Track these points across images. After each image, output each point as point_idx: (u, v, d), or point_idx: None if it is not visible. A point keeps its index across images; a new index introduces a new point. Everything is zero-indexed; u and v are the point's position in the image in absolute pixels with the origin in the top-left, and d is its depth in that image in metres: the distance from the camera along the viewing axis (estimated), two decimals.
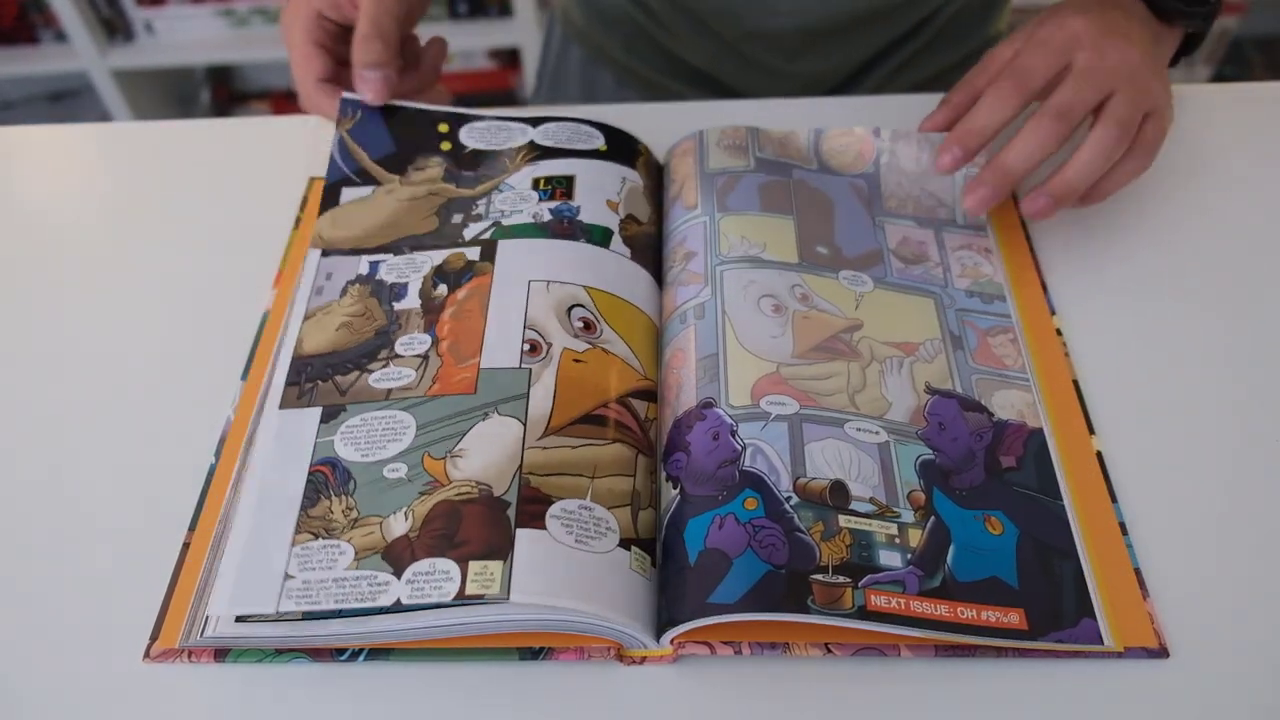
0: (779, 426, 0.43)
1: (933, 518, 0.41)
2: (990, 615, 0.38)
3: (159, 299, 0.55)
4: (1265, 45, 1.97)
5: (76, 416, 0.49)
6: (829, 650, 0.39)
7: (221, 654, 0.40)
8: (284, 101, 2.10)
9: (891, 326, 0.48)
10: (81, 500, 0.46)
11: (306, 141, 0.64)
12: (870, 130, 0.56)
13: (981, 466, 0.43)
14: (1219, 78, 1.88)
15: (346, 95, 0.58)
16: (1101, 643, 0.38)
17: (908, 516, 0.40)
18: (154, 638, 0.41)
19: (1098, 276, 0.52)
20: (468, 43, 1.78)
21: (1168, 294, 0.51)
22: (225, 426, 0.48)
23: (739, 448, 0.42)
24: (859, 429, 0.43)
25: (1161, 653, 0.39)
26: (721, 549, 0.39)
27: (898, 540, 0.40)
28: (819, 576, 0.38)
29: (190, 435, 0.48)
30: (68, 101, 2.03)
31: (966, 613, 0.38)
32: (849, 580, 0.38)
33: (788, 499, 0.40)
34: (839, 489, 0.41)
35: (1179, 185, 0.57)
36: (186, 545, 0.44)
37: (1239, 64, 1.93)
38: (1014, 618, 0.38)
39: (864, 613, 0.37)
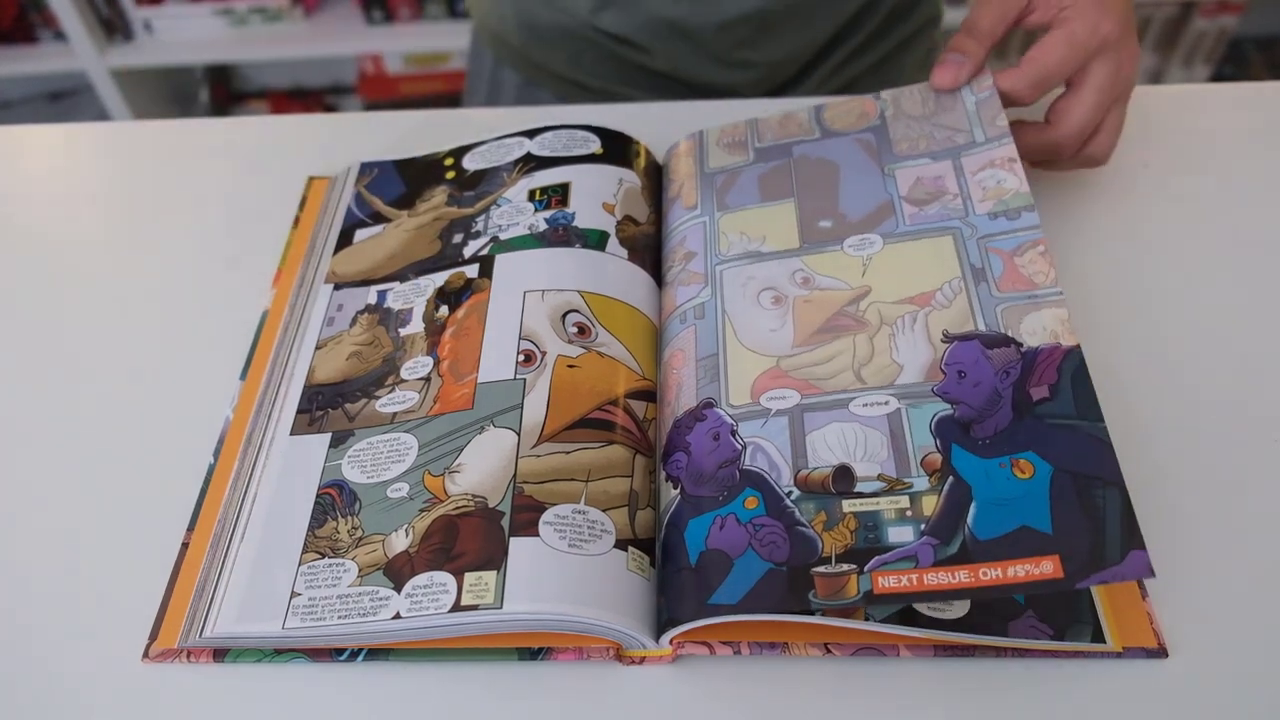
0: (779, 421, 0.42)
1: (950, 478, 0.38)
2: (1018, 570, 0.35)
3: (157, 298, 0.55)
4: (1265, 45, 1.97)
5: (75, 416, 0.49)
6: (828, 650, 0.39)
7: (220, 654, 0.40)
8: (283, 101, 2.10)
9: (904, 282, 0.45)
10: (80, 500, 0.46)
11: (307, 141, 0.64)
12: (870, 95, 0.55)
13: (1009, 406, 0.39)
14: (1219, 78, 1.88)
15: (365, 161, 0.60)
16: (1152, 575, 0.35)
17: (921, 484, 0.38)
18: (153, 638, 0.41)
19: (1097, 276, 0.52)
20: (467, 42, 1.78)
21: (1168, 292, 0.51)
22: (224, 426, 0.48)
23: (739, 447, 0.42)
24: (865, 404, 0.41)
25: (1161, 653, 0.38)
26: (722, 549, 0.39)
27: (909, 513, 0.38)
28: (821, 568, 0.37)
29: (188, 435, 0.48)
30: (67, 101, 2.03)
31: (990, 573, 0.35)
32: (854, 567, 0.37)
33: (789, 494, 0.40)
34: (843, 474, 0.40)
35: (1179, 184, 0.57)
36: (185, 545, 0.44)
37: (1239, 64, 1.93)
38: (1047, 566, 0.35)
39: (871, 598, 0.36)
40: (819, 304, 0.46)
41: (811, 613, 0.37)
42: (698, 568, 0.38)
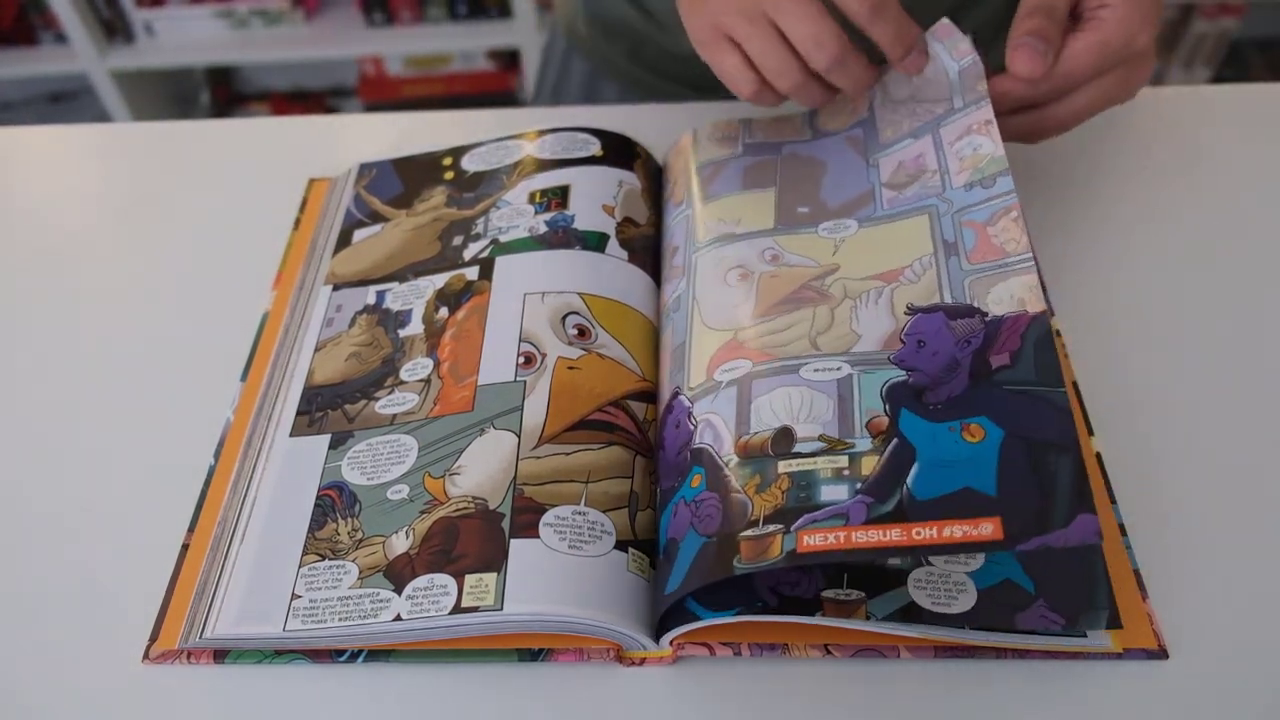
0: (729, 392, 0.41)
1: (895, 440, 0.37)
2: (955, 530, 0.34)
3: (158, 300, 0.55)
4: (1265, 47, 1.97)
5: (75, 417, 0.49)
6: (828, 651, 0.39)
7: (221, 655, 0.40)
8: (284, 102, 2.10)
9: (874, 260, 0.45)
10: (81, 501, 0.46)
11: (307, 144, 0.64)
12: None
13: (966, 373, 0.39)
14: (1219, 79, 1.88)
15: (364, 162, 0.60)
16: (1099, 540, 0.34)
17: (863, 445, 0.37)
18: (153, 639, 0.41)
19: (1097, 276, 0.52)
20: (467, 44, 1.79)
21: (1168, 294, 0.51)
22: (224, 428, 0.48)
23: (692, 428, 0.41)
24: (816, 369, 0.41)
25: (1161, 654, 0.38)
26: (674, 536, 0.38)
27: (846, 472, 0.37)
28: (749, 532, 0.36)
29: (189, 436, 0.48)
30: (67, 102, 2.03)
31: (924, 532, 0.34)
32: (780, 526, 0.36)
33: (729, 462, 0.39)
34: (782, 436, 0.39)
35: (1179, 185, 0.57)
36: (186, 546, 0.44)
37: (1239, 65, 1.93)
38: (987, 528, 0.34)
39: (794, 556, 0.35)
40: (784, 278, 0.45)
41: (734, 575, 0.35)
42: (664, 561, 0.39)
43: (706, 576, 0.36)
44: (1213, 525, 0.42)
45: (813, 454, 0.38)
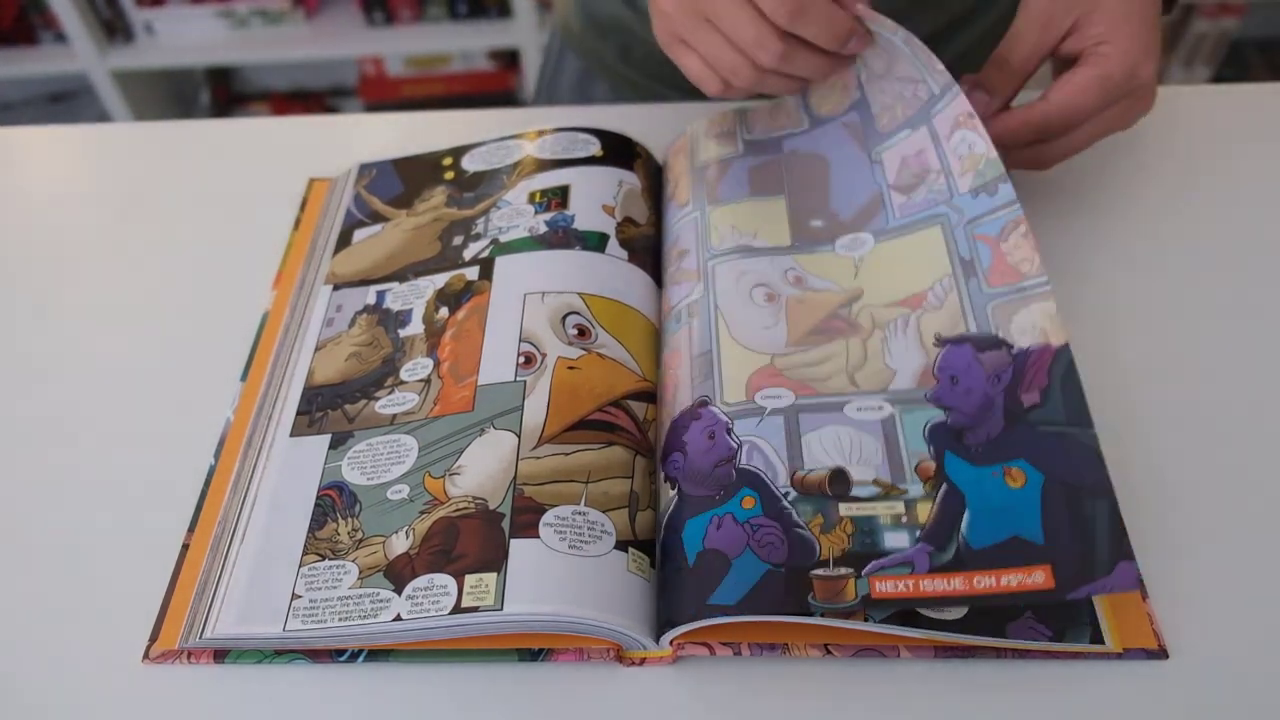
0: (775, 420, 0.42)
1: (944, 485, 0.39)
2: (1011, 579, 0.36)
3: (158, 300, 0.55)
4: (1265, 47, 1.97)
5: (75, 417, 0.49)
6: (828, 651, 0.39)
7: (221, 655, 0.40)
8: (284, 102, 2.11)
9: (895, 283, 0.45)
10: (81, 501, 0.46)
11: (307, 143, 0.64)
12: None
13: (1000, 414, 0.40)
14: (1219, 79, 1.88)
15: (364, 162, 0.60)
16: (1140, 587, 0.36)
17: (915, 491, 0.39)
18: (153, 639, 0.41)
19: (1097, 277, 0.52)
20: (467, 43, 1.79)
21: (1168, 294, 0.51)
22: (224, 428, 0.48)
23: (735, 446, 0.42)
24: (860, 408, 0.42)
25: (1161, 654, 0.38)
26: (720, 549, 0.39)
27: (904, 519, 0.38)
28: (820, 571, 0.37)
29: (189, 437, 0.48)
30: (67, 102, 2.03)
31: (984, 581, 0.36)
32: (852, 570, 0.37)
33: (785, 495, 0.40)
34: (839, 477, 0.40)
35: (1179, 186, 0.57)
36: (186, 546, 0.44)
37: (1239, 65, 1.93)
38: (1039, 576, 0.36)
39: (869, 601, 0.36)
40: (811, 305, 0.46)
41: (811, 615, 0.37)
42: (695, 568, 0.38)
43: (779, 607, 0.37)
44: (1213, 525, 0.42)
45: (870, 499, 0.39)
